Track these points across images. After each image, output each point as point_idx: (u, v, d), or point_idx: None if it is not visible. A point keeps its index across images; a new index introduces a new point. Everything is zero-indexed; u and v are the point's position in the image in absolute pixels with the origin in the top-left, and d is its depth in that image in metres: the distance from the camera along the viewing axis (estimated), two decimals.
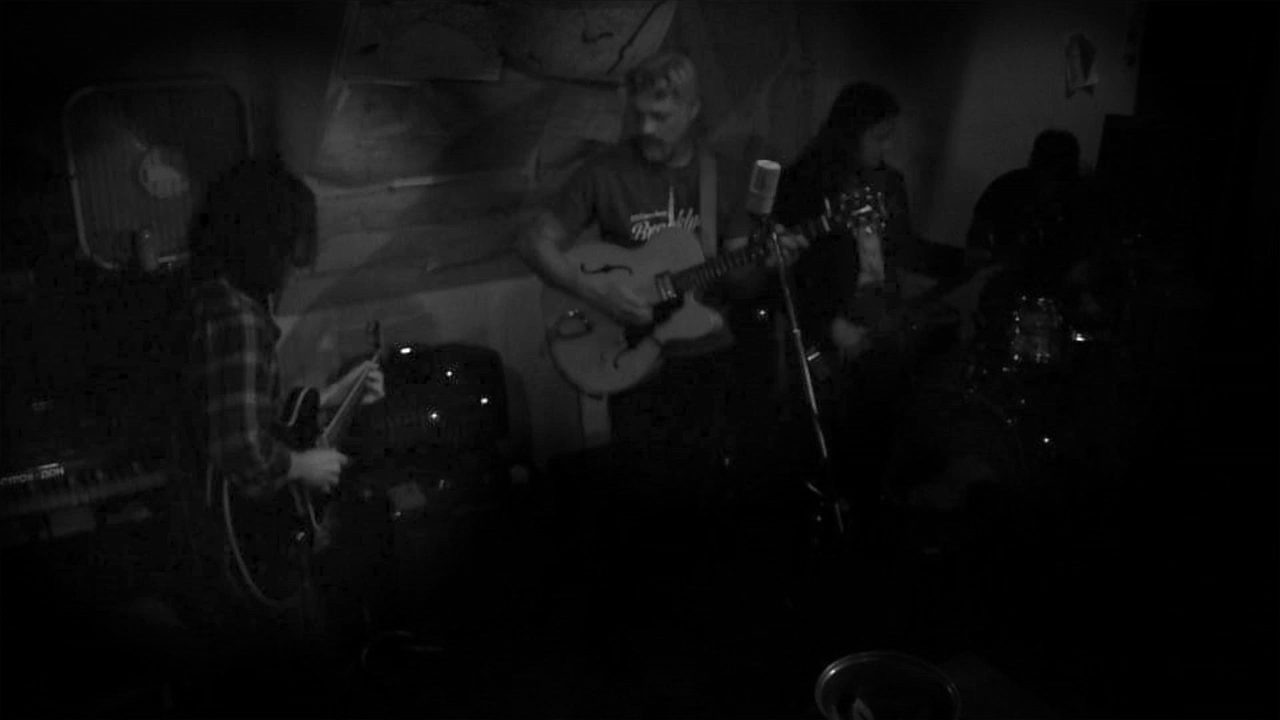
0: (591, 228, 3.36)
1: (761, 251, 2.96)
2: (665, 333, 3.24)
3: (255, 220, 2.36)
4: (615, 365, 3.27)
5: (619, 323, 3.23)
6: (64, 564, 2.98)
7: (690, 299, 3.22)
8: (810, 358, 3.67)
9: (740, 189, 3.14)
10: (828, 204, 3.02)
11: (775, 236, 2.75)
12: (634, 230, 3.25)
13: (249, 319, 2.31)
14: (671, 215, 3.25)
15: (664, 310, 3.23)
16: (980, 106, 4.82)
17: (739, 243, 3.29)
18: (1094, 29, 4.65)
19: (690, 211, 3.25)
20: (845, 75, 3.97)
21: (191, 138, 3.41)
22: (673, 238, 3.23)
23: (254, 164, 2.55)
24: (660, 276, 3.21)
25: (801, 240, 2.99)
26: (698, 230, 3.24)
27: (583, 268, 3.27)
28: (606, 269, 3.25)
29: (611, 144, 4.00)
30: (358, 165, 3.76)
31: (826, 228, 3.02)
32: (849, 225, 3.04)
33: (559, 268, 3.27)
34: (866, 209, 3.01)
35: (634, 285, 3.22)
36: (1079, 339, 4.00)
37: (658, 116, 3.11)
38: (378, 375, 2.84)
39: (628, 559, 3.47)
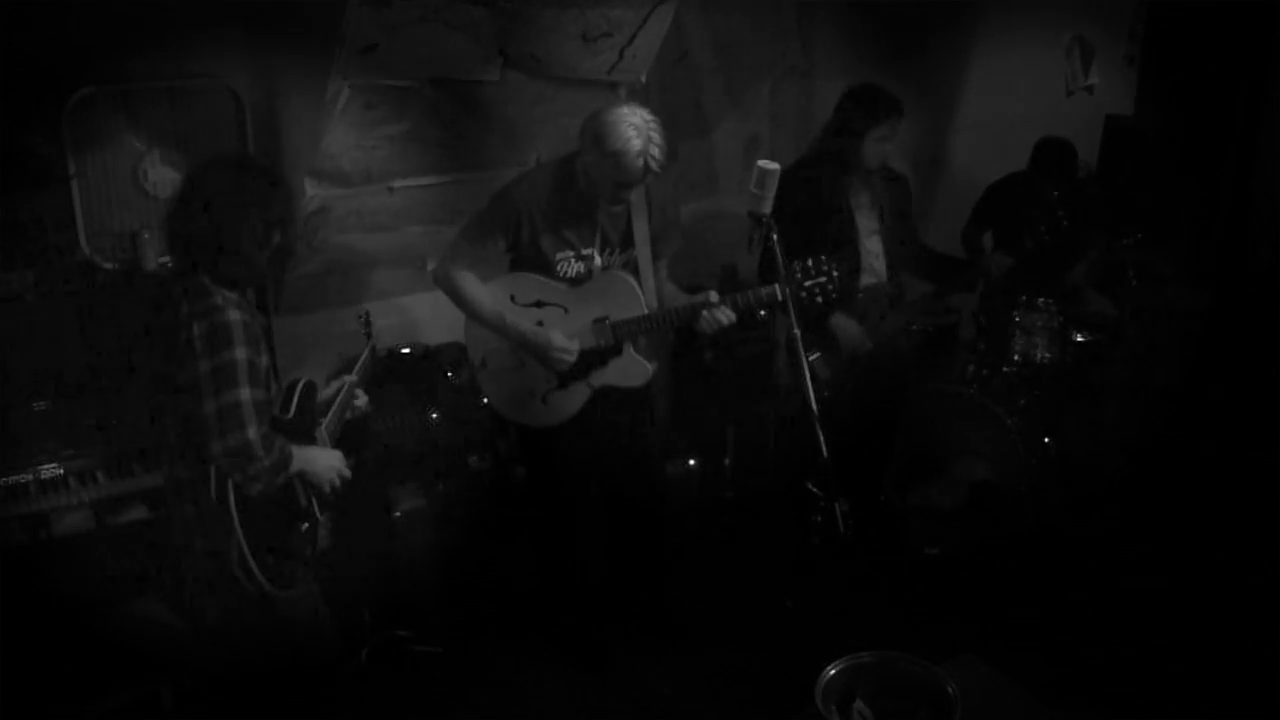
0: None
1: (701, 312, 2.96)
2: (600, 378, 3.16)
3: (224, 216, 2.36)
4: (544, 401, 3.18)
5: (545, 366, 3.14)
6: (64, 564, 2.98)
7: (629, 349, 3.15)
8: (811, 358, 3.67)
9: (669, 208, 3.13)
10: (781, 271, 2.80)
11: (708, 310, 2.84)
12: (559, 267, 3.11)
13: (234, 315, 2.32)
14: (598, 254, 3.12)
15: (601, 356, 3.14)
16: (980, 106, 4.83)
17: (671, 287, 3.23)
18: (1094, 29, 4.66)
19: (617, 251, 3.15)
20: (845, 76, 3.96)
21: (191, 138, 3.41)
22: (614, 282, 3.11)
23: (220, 160, 2.54)
24: (599, 322, 3.11)
25: (732, 316, 2.97)
26: (631, 266, 3.14)
27: (513, 299, 3.13)
28: (539, 304, 3.12)
29: (537, 168, 3.48)
30: (358, 165, 3.76)
31: (779, 297, 2.86)
32: (801, 295, 2.90)
33: (484, 303, 3.12)
34: (821, 279, 2.91)
35: (569, 327, 3.11)
36: (1079, 339, 4.00)
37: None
38: (359, 392, 2.83)
39: (578, 562, 3.49)
